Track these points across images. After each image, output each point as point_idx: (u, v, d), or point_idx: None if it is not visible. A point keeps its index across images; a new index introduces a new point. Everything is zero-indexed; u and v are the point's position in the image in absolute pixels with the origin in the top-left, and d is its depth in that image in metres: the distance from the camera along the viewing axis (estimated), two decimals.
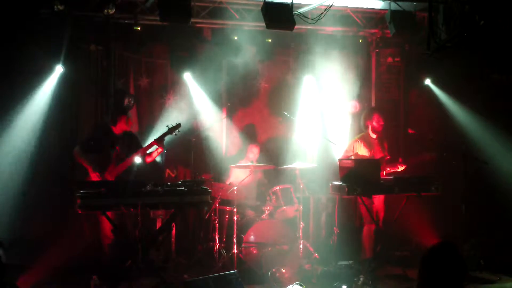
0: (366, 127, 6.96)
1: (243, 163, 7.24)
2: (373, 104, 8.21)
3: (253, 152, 7.38)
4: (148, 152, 6.24)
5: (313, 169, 7.18)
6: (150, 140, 6.47)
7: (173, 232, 6.87)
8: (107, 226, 5.80)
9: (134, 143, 6.30)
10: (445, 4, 6.50)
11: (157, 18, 6.15)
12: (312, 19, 6.34)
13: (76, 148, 6.15)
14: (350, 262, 6.56)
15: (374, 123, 6.86)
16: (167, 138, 6.28)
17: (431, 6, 6.64)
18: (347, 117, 8.09)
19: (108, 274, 5.69)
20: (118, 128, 6.27)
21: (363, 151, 6.84)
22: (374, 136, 6.92)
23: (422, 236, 7.30)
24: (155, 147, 6.23)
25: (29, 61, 6.54)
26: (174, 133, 6.22)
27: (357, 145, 6.87)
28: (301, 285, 5.53)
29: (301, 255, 6.59)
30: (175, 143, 7.09)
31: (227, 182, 7.18)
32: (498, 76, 7.43)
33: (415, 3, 6.68)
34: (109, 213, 5.48)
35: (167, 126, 6.23)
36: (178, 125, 6.25)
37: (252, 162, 7.18)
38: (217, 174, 7.62)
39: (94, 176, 5.93)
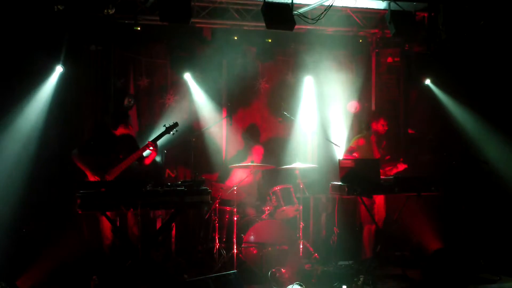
0: (369, 128, 7.04)
1: (247, 162, 7.23)
2: (373, 104, 8.22)
3: (259, 153, 7.41)
4: (144, 155, 6.23)
5: (313, 169, 7.19)
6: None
7: (173, 232, 6.87)
8: (107, 227, 5.80)
9: (132, 145, 6.28)
10: (445, 4, 6.51)
11: (157, 18, 6.14)
12: (312, 19, 6.34)
13: (74, 151, 6.02)
14: (350, 262, 6.57)
15: (380, 126, 6.97)
16: (166, 138, 6.27)
17: (431, 6, 6.66)
18: (347, 117, 8.10)
19: (108, 274, 5.70)
20: (118, 132, 6.26)
21: (363, 150, 6.90)
22: (375, 137, 6.99)
23: (422, 236, 7.30)
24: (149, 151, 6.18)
25: (29, 61, 6.53)
26: (171, 133, 6.15)
27: (360, 143, 6.99)
28: (301, 285, 5.54)
29: (301, 255, 6.59)
30: (175, 143, 7.09)
31: (232, 185, 7.15)
32: (495, 75, 7.44)
33: (415, 3, 6.68)
34: (109, 213, 5.48)
35: (164, 126, 6.16)
36: (175, 124, 6.18)
37: (252, 162, 7.18)
38: (219, 174, 7.63)
39: (93, 180, 5.90)
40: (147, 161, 6.24)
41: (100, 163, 6.03)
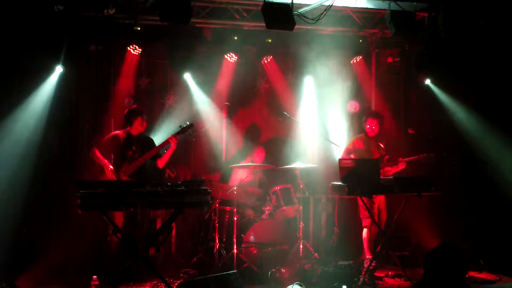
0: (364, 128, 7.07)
1: (247, 162, 7.22)
2: (373, 104, 8.21)
3: (260, 155, 7.42)
4: (160, 153, 6.34)
5: (313, 169, 7.19)
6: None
7: (173, 232, 6.87)
8: (119, 223, 5.84)
9: (148, 144, 6.40)
10: (445, 4, 6.51)
11: (157, 18, 6.14)
12: (312, 19, 6.33)
13: (94, 147, 6.24)
14: (350, 262, 6.57)
15: (368, 127, 6.99)
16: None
17: (431, 6, 6.65)
18: (347, 117, 8.10)
19: (108, 274, 5.70)
20: (134, 130, 6.36)
21: (361, 150, 6.91)
22: (371, 137, 7.00)
23: (422, 236, 7.30)
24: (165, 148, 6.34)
25: (29, 61, 6.54)
26: (187, 133, 6.36)
27: (356, 144, 6.99)
28: (301, 285, 5.54)
29: (301, 255, 6.59)
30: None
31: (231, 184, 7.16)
32: (495, 75, 7.43)
33: (415, 3, 6.67)
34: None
35: (180, 126, 6.31)
36: (191, 125, 6.36)
37: (252, 162, 7.18)
38: (221, 175, 7.63)
39: (110, 173, 6.02)
40: (160, 164, 6.39)
41: (116, 160, 6.12)
